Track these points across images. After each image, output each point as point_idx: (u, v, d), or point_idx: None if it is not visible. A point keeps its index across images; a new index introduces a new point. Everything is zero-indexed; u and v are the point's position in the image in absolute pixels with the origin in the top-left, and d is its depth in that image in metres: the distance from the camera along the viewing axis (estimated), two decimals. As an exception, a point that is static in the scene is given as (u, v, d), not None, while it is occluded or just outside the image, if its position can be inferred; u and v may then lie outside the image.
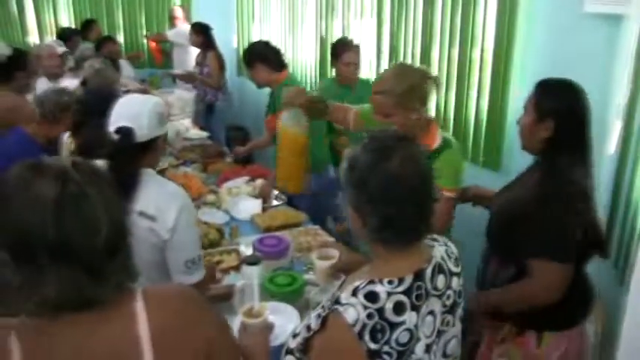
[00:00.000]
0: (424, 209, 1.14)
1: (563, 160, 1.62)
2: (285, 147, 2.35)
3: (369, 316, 1.06)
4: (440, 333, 1.18)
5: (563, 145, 1.63)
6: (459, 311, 1.23)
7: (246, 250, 2.26)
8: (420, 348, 1.12)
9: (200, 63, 5.00)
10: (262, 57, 3.12)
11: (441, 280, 1.17)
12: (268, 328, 1.37)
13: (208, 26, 4.94)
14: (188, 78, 4.99)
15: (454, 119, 2.95)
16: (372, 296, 1.08)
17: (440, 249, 1.22)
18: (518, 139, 1.76)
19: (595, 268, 2.08)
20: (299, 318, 1.46)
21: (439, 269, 1.17)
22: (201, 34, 4.91)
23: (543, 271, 1.59)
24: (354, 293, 1.09)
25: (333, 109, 2.30)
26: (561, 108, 1.63)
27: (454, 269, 1.22)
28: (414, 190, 1.11)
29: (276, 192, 2.97)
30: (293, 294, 1.82)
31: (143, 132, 1.74)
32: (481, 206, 2.07)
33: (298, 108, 2.25)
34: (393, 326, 1.08)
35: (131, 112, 1.73)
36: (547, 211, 1.58)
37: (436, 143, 1.92)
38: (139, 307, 0.95)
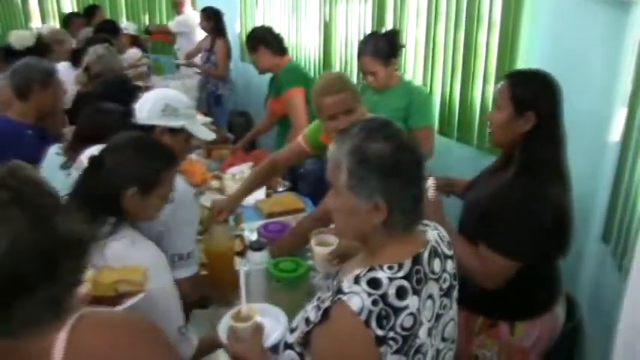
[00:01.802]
0: (421, 191, 1.16)
1: (543, 154, 1.58)
2: (214, 267, 2.00)
3: (374, 302, 1.07)
4: (439, 317, 1.19)
5: (544, 136, 1.58)
6: (455, 294, 1.25)
7: (251, 236, 2.27)
8: (423, 332, 1.13)
9: (208, 49, 4.95)
10: (265, 41, 3.16)
11: (437, 264, 1.18)
12: (260, 330, 1.30)
13: (220, 12, 4.88)
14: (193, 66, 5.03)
15: (459, 105, 2.94)
16: (374, 283, 1.08)
17: (433, 233, 1.23)
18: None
19: (594, 255, 2.10)
20: (286, 317, 1.41)
21: (435, 253, 1.18)
22: (212, 19, 4.86)
23: (487, 259, 1.58)
24: (357, 281, 1.09)
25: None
26: (540, 98, 1.59)
27: (448, 252, 1.23)
28: (413, 172, 1.13)
29: (279, 179, 2.99)
30: (298, 279, 1.84)
31: (142, 115, 1.79)
32: (455, 195, 2.05)
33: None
34: (397, 311, 1.08)
35: (142, 98, 1.80)
36: (520, 210, 1.55)
37: None
38: (58, 346, 0.82)
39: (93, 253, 1.29)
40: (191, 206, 1.69)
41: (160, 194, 1.46)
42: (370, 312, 1.06)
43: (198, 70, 5.12)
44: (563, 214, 1.59)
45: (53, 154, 2.18)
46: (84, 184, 1.43)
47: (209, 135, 1.98)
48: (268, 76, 3.39)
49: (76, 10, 5.90)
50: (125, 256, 1.36)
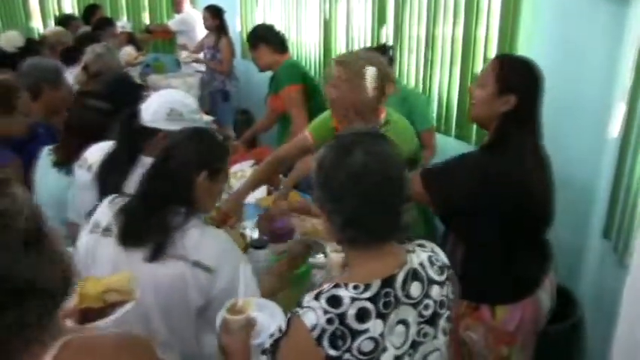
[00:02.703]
0: (390, 208, 1.09)
1: (514, 137, 1.62)
2: None
3: (329, 321, 1.03)
4: (416, 344, 1.12)
5: (519, 121, 1.62)
6: (442, 323, 1.16)
7: (253, 234, 2.28)
8: (386, 358, 1.07)
9: (212, 47, 4.95)
10: (266, 39, 3.17)
11: (415, 288, 1.10)
12: (250, 325, 1.27)
13: (222, 10, 4.90)
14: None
15: (458, 100, 2.94)
16: (334, 300, 1.04)
17: (421, 255, 1.15)
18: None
19: (595, 251, 2.10)
20: (282, 315, 1.38)
21: (414, 276, 1.10)
22: (216, 17, 4.86)
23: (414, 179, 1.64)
24: (317, 297, 1.05)
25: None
26: (524, 85, 1.63)
27: (436, 277, 1.14)
28: (378, 187, 1.07)
29: (280, 175, 2.99)
30: (300, 277, 1.84)
31: (147, 117, 1.80)
32: None
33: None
34: (355, 334, 1.03)
35: (149, 100, 1.82)
36: (462, 162, 1.68)
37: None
38: None
39: (171, 244, 1.38)
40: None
41: (222, 181, 1.55)
42: (323, 330, 1.02)
43: (202, 69, 5.11)
44: (523, 195, 1.61)
45: (46, 154, 2.21)
46: (155, 176, 1.48)
47: (204, 119, 2.02)
48: (269, 74, 3.39)
49: (76, 9, 5.89)
50: (201, 243, 1.42)
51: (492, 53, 2.65)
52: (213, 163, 1.50)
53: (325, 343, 1.02)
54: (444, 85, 3.03)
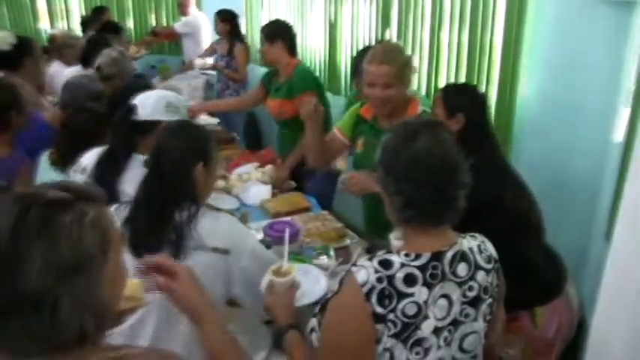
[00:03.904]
0: (447, 193, 1.15)
1: (474, 150, 1.70)
2: None
3: (379, 279, 1.11)
4: (457, 323, 1.18)
5: (474, 135, 1.83)
6: (484, 308, 1.22)
7: (257, 235, 2.29)
8: (427, 327, 1.14)
9: (227, 54, 4.73)
10: (285, 36, 3.12)
11: (462, 268, 1.18)
12: (294, 287, 1.40)
13: (235, 14, 4.73)
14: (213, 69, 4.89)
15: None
16: (385, 263, 1.13)
17: (472, 242, 1.23)
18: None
19: (598, 254, 2.10)
20: (326, 282, 1.52)
21: (462, 257, 1.18)
22: (228, 22, 4.67)
23: None
24: (371, 258, 1.15)
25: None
26: (469, 103, 1.90)
27: (483, 264, 1.22)
28: (436, 174, 1.14)
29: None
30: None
31: (145, 111, 1.84)
32: None
33: None
34: (401, 296, 1.11)
35: (142, 96, 1.85)
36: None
37: (415, 114, 2.08)
38: None
39: (188, 237, 1.41)
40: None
41: (215, 167, 1.58)
42: (373, 287, 1.11)
43: (210, 72, 4.99)
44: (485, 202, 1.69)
45: (46, 157, 2.25)
46: (153, 180, 1.50)
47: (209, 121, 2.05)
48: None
49: (84, 11, 5.94)
50: (215, 229, 1.48)
51: (497, 59, 2.66)
52: (205, 152, 1.53)
53: (374, 299, 1.10)
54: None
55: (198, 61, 4.94)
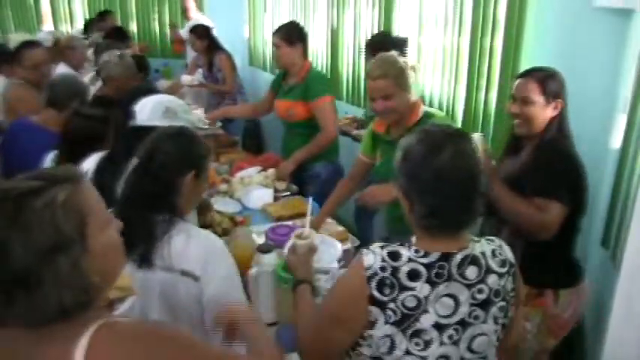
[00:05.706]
0: (470, 203, 1.20)
1: (564, 130, 1.88)
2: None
3: (382, 268, 1.17)
4: (466, 324, 1.21)
5: (562, 117, 1.87)
6: (494, 310, 1.24)
7: (259, 239, 2.32)
8: (426, 320, 1.18)
9: (210, 67, 4.61)
10: (304, 40, 3.11)
11: (472, 271, 1.21)
12: (313, 249, 1.62)
13: (209, 27, 4.65)
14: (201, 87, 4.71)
15: (464, 111, 2.98)
16: (394, 254, 1.19)
17: (485, 247, 1.25)
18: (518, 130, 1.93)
19: (595, 260, 2.13)
20: (340, 249, 1.88)
21: (472, 261, 1.21)
22: (205, 37, 4.53)
23: (545, 207, 1.77)
24: (382, 246, 1.21)
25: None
26: (563, 88, 1.88)
27: (495, 268, 1.24)
28: (462, 185, 1.17)
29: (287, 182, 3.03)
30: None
31: (143, 116, 1.86)
32: None
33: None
34: (403, 288, 1.17)
35: (141, 102, 1.88)
36: (561, 164, 1.84)
37: (417, 117, 2.12)
38: (78, 353, 0.85)
39: (157, 253, 1.40)
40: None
41: (205, 180, 1.57)
42: (375, 273, 1.17)
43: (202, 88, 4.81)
44: (583, 173, 1.86)
45: (51, 159, 2.26)
46: (137, 183, 1.48)
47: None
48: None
49: (87, 14, 5.98)
50: (186, 251, 1.41)
51: (497, 63, 2.69)
52: (199, 162, 1.52)
53: (373, 284, 1.18)
54: (450, 96, 3.07)
55: (186, 78, 4.63)
